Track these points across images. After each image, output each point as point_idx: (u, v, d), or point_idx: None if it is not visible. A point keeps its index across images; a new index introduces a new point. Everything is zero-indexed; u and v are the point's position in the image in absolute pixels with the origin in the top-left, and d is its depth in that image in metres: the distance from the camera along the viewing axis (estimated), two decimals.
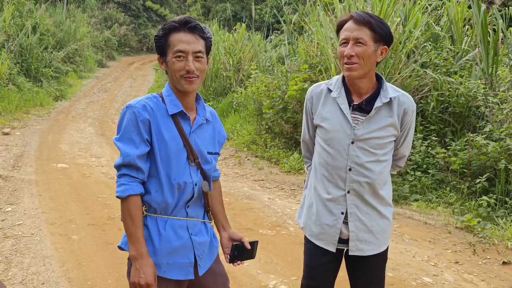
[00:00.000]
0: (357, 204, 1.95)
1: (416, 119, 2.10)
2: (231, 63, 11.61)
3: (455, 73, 6.18)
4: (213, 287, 1.86)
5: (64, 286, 3.24)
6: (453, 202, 4.88)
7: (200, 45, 1.71)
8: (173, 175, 1.71)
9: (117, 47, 23.78)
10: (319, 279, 2.05)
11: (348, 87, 1.95)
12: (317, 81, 6.44)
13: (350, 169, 1.92)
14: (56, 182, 5.80)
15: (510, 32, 7.16)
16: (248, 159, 7.44)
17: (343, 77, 1.97)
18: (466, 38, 7.09)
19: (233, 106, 10.05)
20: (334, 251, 1.99)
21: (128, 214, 1.65)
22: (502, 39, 6.94)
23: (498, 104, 5.47)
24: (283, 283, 3.33)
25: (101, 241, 4.03)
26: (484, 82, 5.86)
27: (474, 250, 3.97)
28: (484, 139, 5.04)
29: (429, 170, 5.38)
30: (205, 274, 1.82)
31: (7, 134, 8.35)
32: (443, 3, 7.97)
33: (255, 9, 15.93)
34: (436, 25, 7.31)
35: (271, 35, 14.91)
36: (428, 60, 6.42)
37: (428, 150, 5.55)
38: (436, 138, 5.62)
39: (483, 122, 5.56)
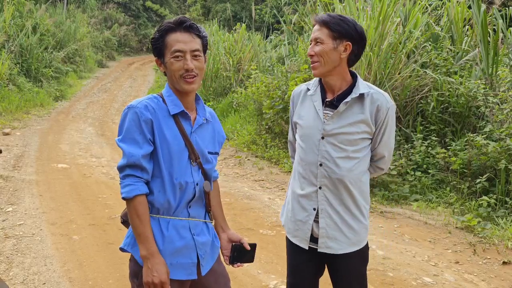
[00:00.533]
0: (329, 201, 1.97)
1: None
2: (231, 63, 11.61)
3: (455, 73, 6.19)
4: (214, 287, 1.86)
5: (65, 286, 3.24)
6: (453, 202, 4.88)
7: (197, 43, 1.73)
8: (175, 175, 1.71)
9: (117, 47, 23.79)
10: (300, 278, 2.09)
11: (323, 86, 2.03)
12: None
13: (320, 164, 1.96)
14: (56, 182, 5.81)
15: (510, 32, 7.16)
16: (248, 159, 7.45)
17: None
18: (466, 38, 7.09)
19: (233, 106, 10.05)
20: (307, 248, 2.01)
21: (136, 214, 1.65)
22: (502, 39, 6.94)
23: (498, 104, 5.47)
24: (283, 283, 3.33)
25: (102, 241, 4.04)
26: (484, 82, 5.86)
27: (474, 250, 3.97)
28: (484, 139, 5.04)
29: (429, 170, 5.38)
30: (207, 274, 1.83)
31: (7, 134, 8.36)
32: (443, 3, 7.97)
33: (255, 9, 15.93)
34: (436, 25, 7.32)
35: (271, 35, 14.89)
36: (428, 60, 6.43)
37: (428, 150, 5.55)
38: (436, 138, 5.62)
39: (483, 122, 5.56)
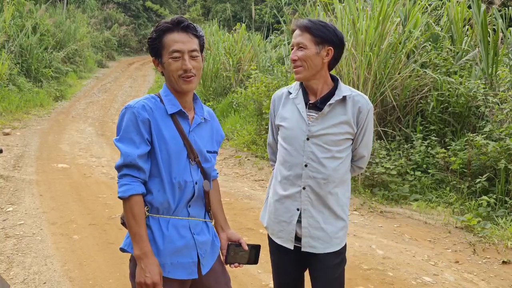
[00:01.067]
0: (312, 201, 2.01)
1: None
2: (231, 63, 11.60)
3: (455, 73, 6.19)
4: (215, 287, 1.86)
5: (65, 286, 3.25)
6: (453, 202, 4.89)
7: (194, 43, 1.73)
8: (174, 174, 1.72)
9: (117, 47, 23.80)
10: (287, 278, 2.16)
11: (305, 89, 2.08)
12: None
13: (306, 165, 2.00)
14: (56, 182, 5.81)
15: (510, 32, 7.17)
16: (248, 159, 7.45)
17: None
18: (466, 38, 7.09)
19: (233, 106, 10.05)
20: (292, 248, 2.06)
21: (131, 214, 1.66)
22: (502, 39, 6.95)
23: (498, 104, 5.48)
24: None
25: (102, 241, 4.04)
26: (484, 82, 5.86)
27: (474, 250, 3.98)
28: (484, 139, 5.04)
29: (429, 170, 5.39)
30: (208, 273, 1.83)
31: (7, 134, 8.36)
32: (443, 3, 7.97)
33: (255, 9, 15.94)
34: (436, 25, 7.32)
35: (271, 35, 14.89)
36: (428, 60, 6.43)
37: (428, 150, 5.56)
38: (436, 138, 5.63)
39: (483, 122, 5.56)
